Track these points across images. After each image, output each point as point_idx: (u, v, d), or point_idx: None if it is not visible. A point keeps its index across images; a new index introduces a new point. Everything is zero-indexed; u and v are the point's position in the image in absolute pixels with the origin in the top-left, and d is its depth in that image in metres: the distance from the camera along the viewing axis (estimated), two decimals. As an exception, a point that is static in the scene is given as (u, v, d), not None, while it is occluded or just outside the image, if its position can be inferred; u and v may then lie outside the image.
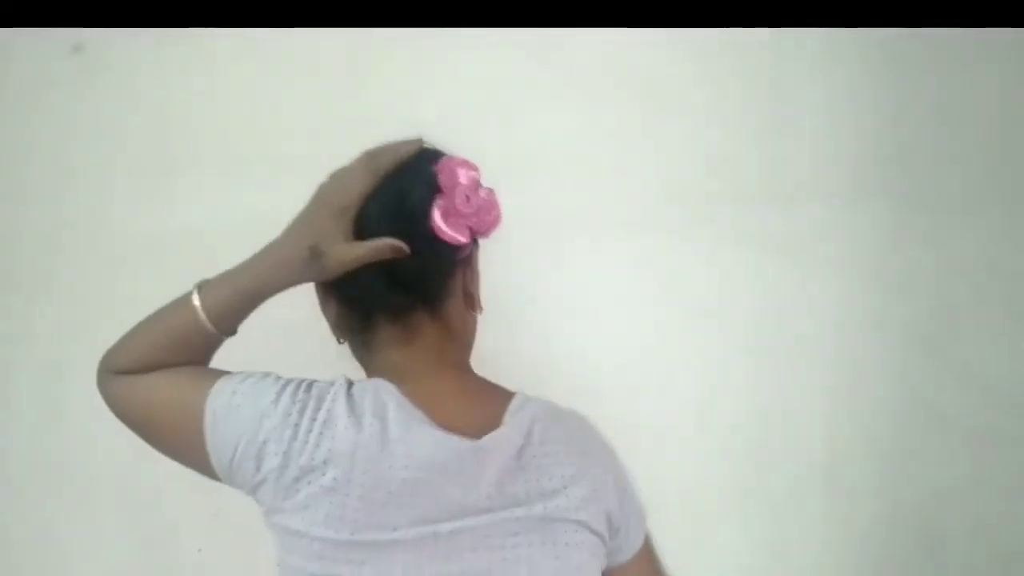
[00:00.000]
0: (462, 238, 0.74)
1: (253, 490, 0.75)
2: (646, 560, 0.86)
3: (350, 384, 0.76)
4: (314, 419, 0.72)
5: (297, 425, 0.71)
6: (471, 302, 0.82)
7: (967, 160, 1.32)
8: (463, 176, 0.74)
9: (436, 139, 0.84)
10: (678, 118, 1.30)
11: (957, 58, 1.31)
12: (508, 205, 0.81)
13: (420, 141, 0.77)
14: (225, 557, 1.36)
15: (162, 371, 0.78)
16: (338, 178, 0.75)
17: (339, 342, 0.84)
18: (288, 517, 0.72)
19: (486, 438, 0.73)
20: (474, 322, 0.84)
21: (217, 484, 1.33)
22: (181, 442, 0.76)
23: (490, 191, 0.76)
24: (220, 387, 0.75)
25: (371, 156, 0.75)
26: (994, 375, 1.33)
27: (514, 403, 0.78)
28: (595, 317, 1.29)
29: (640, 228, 1.28)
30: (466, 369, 0.83)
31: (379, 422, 0.72)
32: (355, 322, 0.79)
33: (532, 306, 1.27)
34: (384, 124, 1.27)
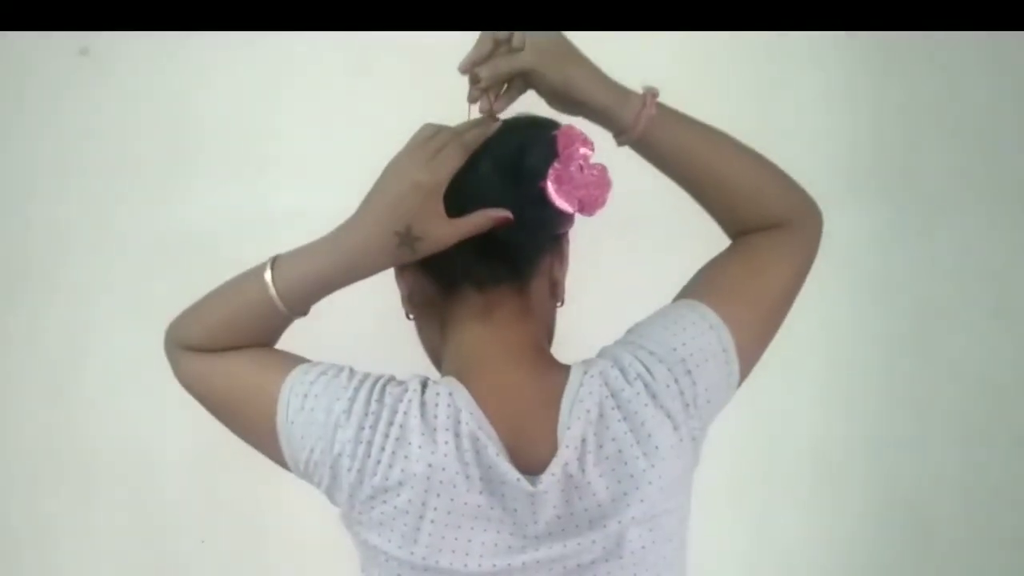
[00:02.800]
0: (570, 207, 0.71)
1: (328, 494, 0.73)
2: None
3: (423, 387, 0.71)
4: (386, 435, 0.68)
5: (370, 442, 0.69)
6: (555, 290, 0.79)
7: (952, 161, 1.33)
8: (581, 146, 0.72)
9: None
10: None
11: (943, 61, 1.32)
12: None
13: (499, 119, 0.73)
14: (227, 548, 1.37)
15: (235, 354, 0.75)
16: (423, 158, 0.69)
17: (408, 317, 0.80)
18: (366, 531, 0.70)
19: (542, 484, 0.69)
20: (554, 312, 0.81)
21: (218, 477, 1.36)
22: (256, 432, 0.74)
23: (604, 168, 0.73)
24: (293, 384, 0.72)
25: (458, 134, 0.70)
26: (978, 371, 1.34)
27: (561, 418, 0.70)
28: (592, 316, 1.30)
29: (636, 228, 1.29)
30: (542, 355, 0.77)
31: (453, 439, 0.68)
32: (436, 294, 0.76)
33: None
34: (385, 125, 1.29)
